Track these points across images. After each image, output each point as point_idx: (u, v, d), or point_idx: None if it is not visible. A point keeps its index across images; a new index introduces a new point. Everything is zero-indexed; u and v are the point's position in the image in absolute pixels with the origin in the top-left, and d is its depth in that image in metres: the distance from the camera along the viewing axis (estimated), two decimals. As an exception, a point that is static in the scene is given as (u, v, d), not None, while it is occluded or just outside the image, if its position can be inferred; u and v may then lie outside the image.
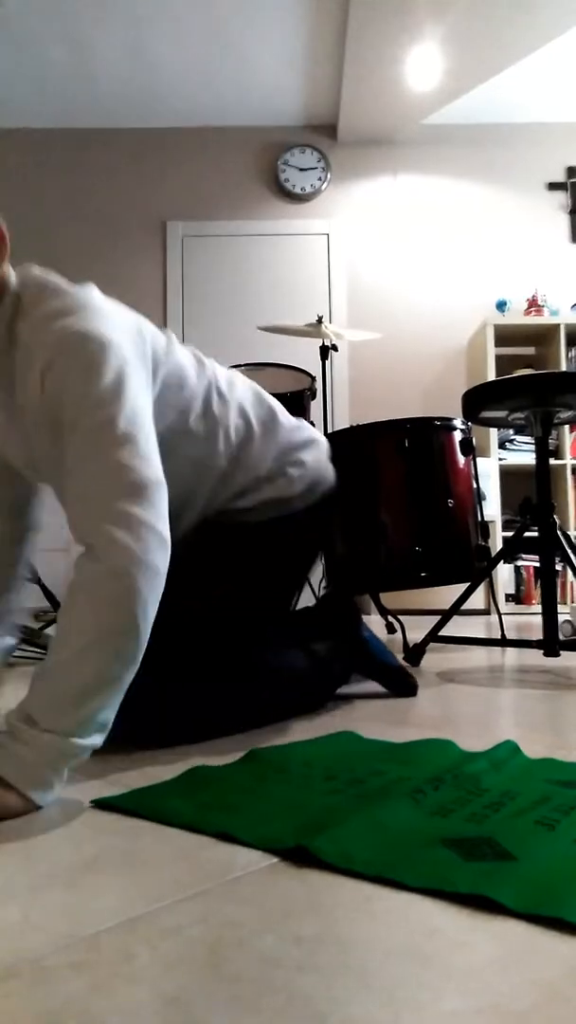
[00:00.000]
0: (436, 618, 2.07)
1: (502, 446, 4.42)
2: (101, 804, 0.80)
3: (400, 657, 2.16)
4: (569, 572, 3.90)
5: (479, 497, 2.15)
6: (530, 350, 4.71)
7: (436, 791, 0.82)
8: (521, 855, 0.63)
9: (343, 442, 2.17)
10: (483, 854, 0.64)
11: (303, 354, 4.69)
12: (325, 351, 3.31)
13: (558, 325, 4.38)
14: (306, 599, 3.62)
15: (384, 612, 2.91)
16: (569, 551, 1.88)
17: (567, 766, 0.93)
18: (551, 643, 1.81)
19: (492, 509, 4.14)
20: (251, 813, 0.76)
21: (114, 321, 0.95)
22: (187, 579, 1.06)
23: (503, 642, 1.97)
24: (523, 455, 4.40)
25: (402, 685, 1.51)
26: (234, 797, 0.81)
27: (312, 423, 3.14)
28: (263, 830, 0.71)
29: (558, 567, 3.62)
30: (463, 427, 2.15)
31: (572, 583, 4.19)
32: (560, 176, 4.83)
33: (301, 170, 4.81)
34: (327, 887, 0.59)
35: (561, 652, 1.81)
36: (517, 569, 4.30)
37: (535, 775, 0.89)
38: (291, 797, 0.82)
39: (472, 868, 0.61)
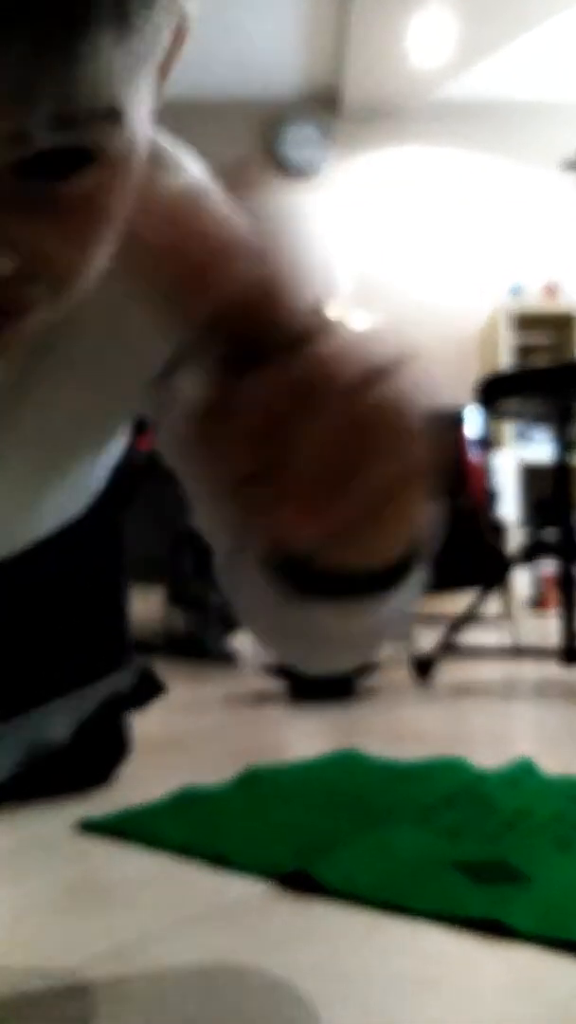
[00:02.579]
0: (447, 626, 2.07)
1: (520, 440, 4.42)
2: (87, 825, 0.80)
3: (409, 668, 2.16)
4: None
5: (493, 495, 2.15)
6: (546, 337, 4.71)
7: (447, 812, 0.82)
8: (535, 876, 0.64)
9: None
10: (495, 876, 0.64)
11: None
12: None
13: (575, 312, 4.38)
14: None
15: (391, 620, 2.91)
16: (589, 554, 1.88)
17: None
18: (570, 652, 1.81)
19: (508, 508, 4.14)
20: (247, 836, 0.76)
21: None
22: None
23: (519, 651, 1.97)
24: (541, 449, 4.40)
25: None
26: (228, 819, 0.82)
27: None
28: (260, 854, 0.71)
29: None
30: (477, 419, 2.15)
31: (593, 588, 4.19)
32: (578, 152, 4.84)
33: (301, 145, 4.82)
34: (326, 914, 0.60)
35: (581, 662, 1.81)
36: (534, 573, 4.31)
37: (552, 793, 0.90)
38: (290, 819, 0.82)
39: (483, 891, 0.62)
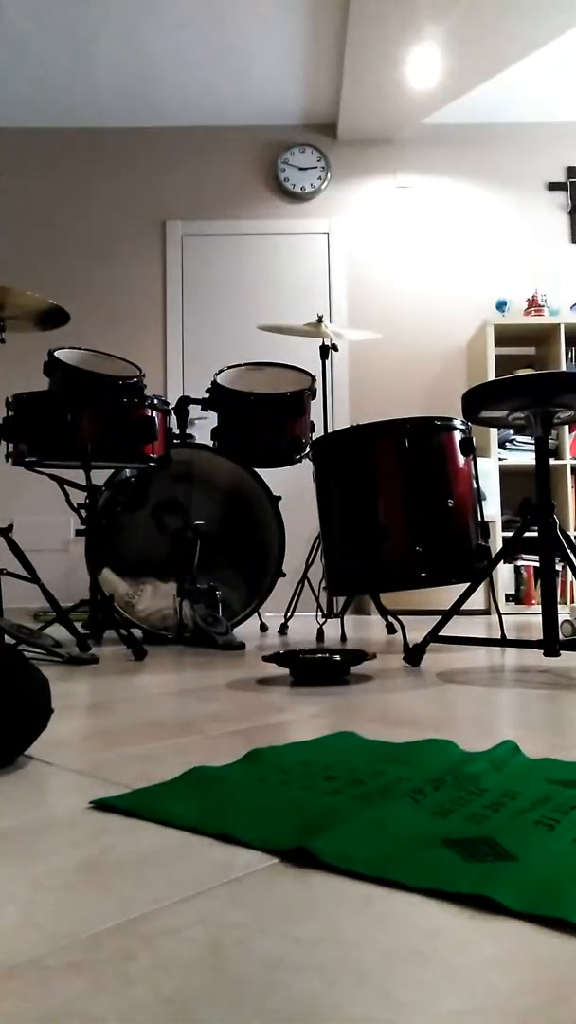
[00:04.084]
0: (436, 618, 2.06)
1: (502, 446, 4.42)
2: (101, 805, 0.80)
3: (401, 657, 2.16)
4: (569, 572, 3.90)
5: (479, 497, 2.15)
6: (530, 350, 4.71)
7: (436, 791, 0.82)
8: (521, 855, 0.63)
9: (343, 442, 2.17)
10: (483, 854, 0.64)
11: (303, 354, 4.69)
12: (325, 351, 3.31)
13: (558, 325, 4.38)
14: (307, 599, 3.61)
15: (384, 612, 2.91)
16: (569, 551, 1.88)
17: (567, 766, 0.93)
18: (551, 643, 1.81)
19: (492, 509, 4.14)
20: (252, 814, 0.76)
21: None
22: None
23: (503, 642, 1.97)
24: (523, 455, 4.40)
25: None
26: (234, 798, 0.81)
27: (312, 423, 3.15)
28: (264, 831, 0.71)
29: (558, 567, 3.62)
30: (463, 427, 2.15)
31: (572, 583, 4.19)
32: (560, 176, 4.83)
33: (301, 169, 4.81)
34: (327, 888, 0.59)
35: (561, 652, 1.81)
36: (517, 569, 4.30)
37: (535, 775, 0.89)
38: (291, 797, 0.82)
39: (473, 868, 0.61)
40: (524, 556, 4.27)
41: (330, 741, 1.09)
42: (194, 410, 3.59)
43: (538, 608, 4.13)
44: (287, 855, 0.65)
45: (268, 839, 0.69)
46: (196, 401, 3.14)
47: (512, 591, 4.29)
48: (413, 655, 2.04)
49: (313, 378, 3.18)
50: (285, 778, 0.89)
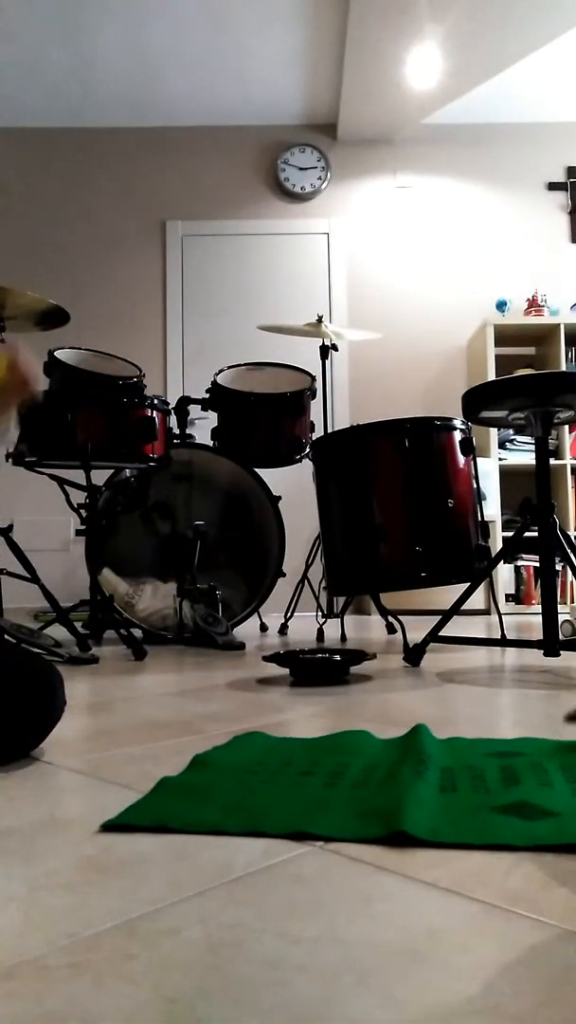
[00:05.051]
0: (436, 618, 2.07)
1: (502, 446, 4.42)
2: (112, 826, 0.74)
3: (401, 657, 2.16)
4: (569, 572, 3.90)
5: (479, 497, 2.15)
6: (530, 350, 4.70)
7: (428, 771, 0.84)
8: (557, 810, 0.69)
9: (343, 442, 2.17)
10: (534, 814, 0.68)
11: (303, 354, 4.69)
12: (325, 351, 3.31)
13: (558, 325, 4.37)
14: (307, 599, 3.60)
15: (384, 612, 2.91)
16: (569, 551, 1.88)
17: (484, 742, 1.01)
18: (551, 643, 1.81)
19: (492, 509, 4.14)
20: (281, 809, 0.75)
21: None
22: None
23: (503, 642, 1.97)
24: (523, 455, 4.40)
25: None
26: (242, 798, 0.80)
27: (312, 423, 3.15)
28: (330, 823, 0.71)
29: (558, 567, 3.62)
30: (463, 427, 2.15)
31: (572, 583, 4.19)
32: (560, 176, 4.83)
33: (301, 169, 4.81)
34: (327, 888, 0.59)
35: (561, 652, 1.81)
36: (517, 569, 4.30)
37: (475, 751, 0.95)
38: (299, 794, 0.81)
39: (538, 826, 0.66)
40: (524, 556, 4.27)
41: (245, 741, 1.06)
42: (194, 410, 3.57)
43: (538, 608, 4.13)
44: (383, 841, 0.67)
45: (346, 830, 0.69)
46: (196, 401, 3.13)
47: (512, 591, 4.29)
48: (413, 655, 2.04)
49: (313, 378, 3.18)
50: (266, 778, 0.87)
